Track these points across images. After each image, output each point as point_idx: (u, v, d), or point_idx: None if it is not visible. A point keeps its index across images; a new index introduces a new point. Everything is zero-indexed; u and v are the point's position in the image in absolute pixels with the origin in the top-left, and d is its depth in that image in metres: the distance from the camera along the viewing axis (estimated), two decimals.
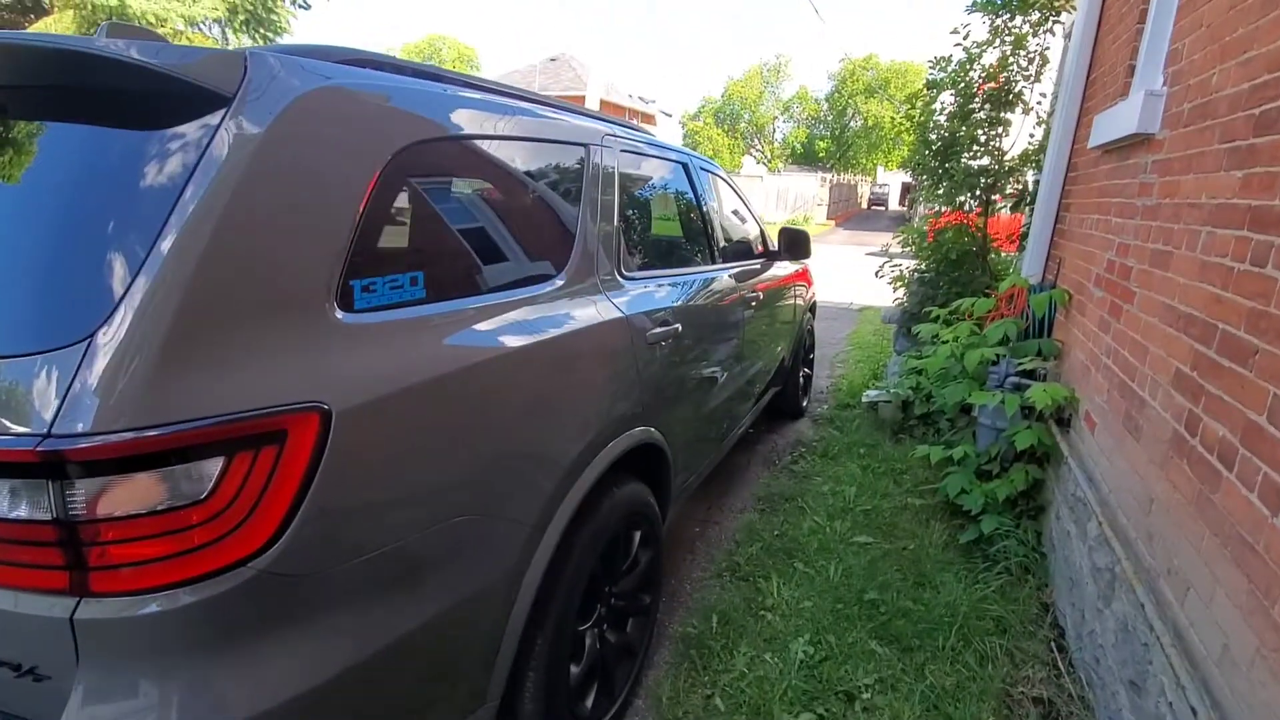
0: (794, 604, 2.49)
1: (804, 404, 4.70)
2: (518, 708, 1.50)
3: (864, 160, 48.56)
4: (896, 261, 4.97)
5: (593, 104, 12.39)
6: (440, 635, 1.25)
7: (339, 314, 1.11)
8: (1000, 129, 4.34)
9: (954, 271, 4.35)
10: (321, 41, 1.57)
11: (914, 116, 4.56)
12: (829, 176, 34.85)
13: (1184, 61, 2.25)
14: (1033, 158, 4.43)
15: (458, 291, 1.37)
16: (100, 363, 0.86)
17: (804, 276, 4.30)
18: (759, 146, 50.47)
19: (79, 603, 0.89)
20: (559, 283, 1.67)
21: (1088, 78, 3.79)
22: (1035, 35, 4.28)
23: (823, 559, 2.78)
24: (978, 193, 4.18)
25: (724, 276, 2.83)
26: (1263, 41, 1.63)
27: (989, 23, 4.29)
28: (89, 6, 4.63)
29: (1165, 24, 2.70)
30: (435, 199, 1.39)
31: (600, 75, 12.65)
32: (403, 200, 1.29)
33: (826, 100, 50.81)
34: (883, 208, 43.57)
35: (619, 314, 1.85)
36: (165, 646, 0.93)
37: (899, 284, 4.89)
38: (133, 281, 0.90)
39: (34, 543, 0.87)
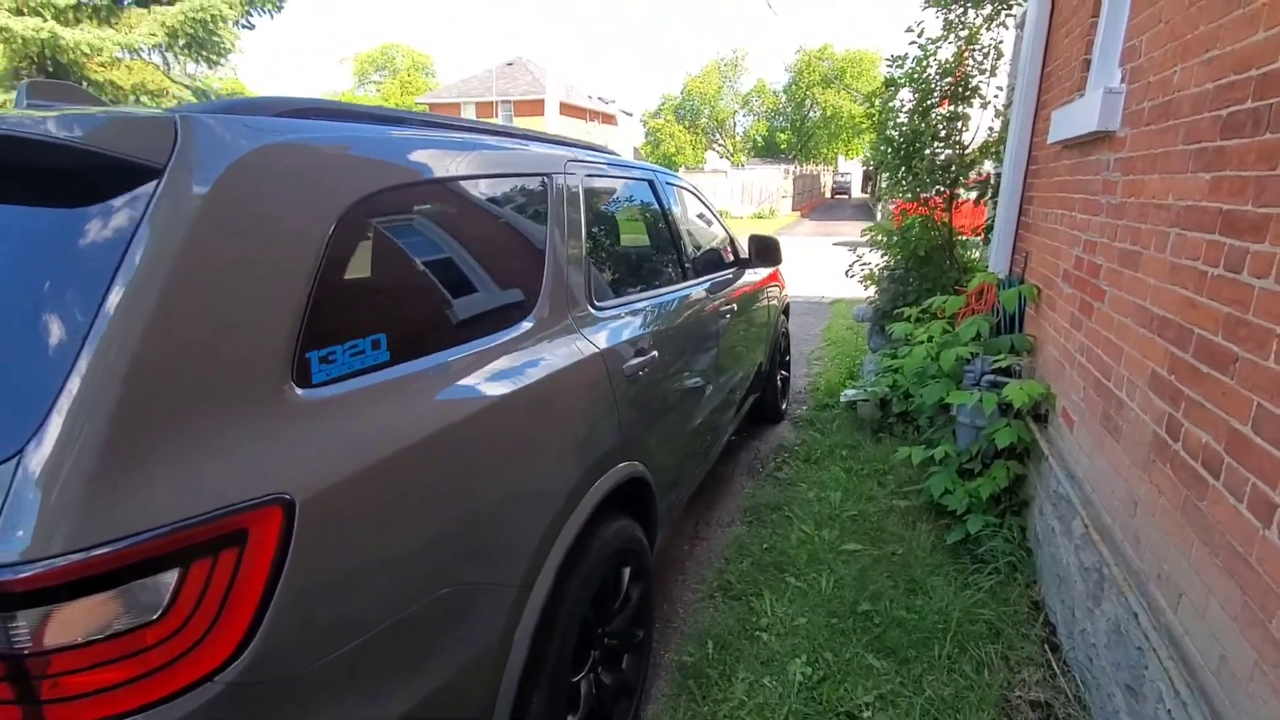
0: (788, 621, 2.47)
1: (783, 407, 4.70)
2: None
3: (825, 150, 49.10)
4: (865, 260, 4.99)
5: (552, 108, 12.27)
6: (431, 713, 1.18)
7: (297, 391, 1.04)
8: (960, 123, 4.37)
9: (923, 267, 4.38)
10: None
11: (874, 115, 4.57)
12: (792, 168, 35.16)
13: (1142, 58, 2.26)
14: (992, 149, 4.47)
15: (424, 348, 1.30)
16: (34, 479, 0.78)
17: (775, 278, 4.29)
18: (721, 141, 50.71)
19: None
20: (528, 325, 1.61)
21: (1043, 71, 3.82)
22: (988, 29, 4.32)
23: (813, 571, 2.76)
24: (941, 188, 4.21)
25: (697, 291, 2.79)
26: (1226, 41, 1.63)
27: (942, 18, 4.32)
28: (19, 40, 4.41)
29: (1120, 18, 2.72)
30: (393, 252, 1.33)
31: (558, 78, 12.51)
32: (359, 259, 1.22)
33: (785, 92, 51.25)
34: (846, 196, 44.09)
35: (594, 349, 1.79)
36: None
37: (869, 282, 4.91)
38: (63, 383, 0.82)
39: None
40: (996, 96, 4.30)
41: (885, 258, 4.74)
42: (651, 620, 2.17)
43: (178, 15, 5.58)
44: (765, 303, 3.94)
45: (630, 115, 47.93)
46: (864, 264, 4.99)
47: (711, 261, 3.22)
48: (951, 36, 4.27)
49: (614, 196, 2.41)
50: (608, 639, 1.88)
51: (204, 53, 5.80)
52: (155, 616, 0.84)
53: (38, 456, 0.79)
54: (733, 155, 48.31)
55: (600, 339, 1.85)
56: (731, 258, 3.58)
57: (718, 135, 51.60)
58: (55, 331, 0.85)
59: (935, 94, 4.29)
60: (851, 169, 48.41)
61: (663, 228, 2.74)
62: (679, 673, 2.25)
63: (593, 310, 1.90)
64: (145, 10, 5.81)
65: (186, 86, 6.57)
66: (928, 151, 4.21)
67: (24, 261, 0.91)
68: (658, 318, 2.28)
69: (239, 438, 0.95)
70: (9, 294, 0.89)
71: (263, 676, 0.92)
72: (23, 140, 0.94)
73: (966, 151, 4.32)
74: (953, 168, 4.22)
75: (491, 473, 1.35)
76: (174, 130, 1.00)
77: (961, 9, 4.30)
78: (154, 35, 5.19)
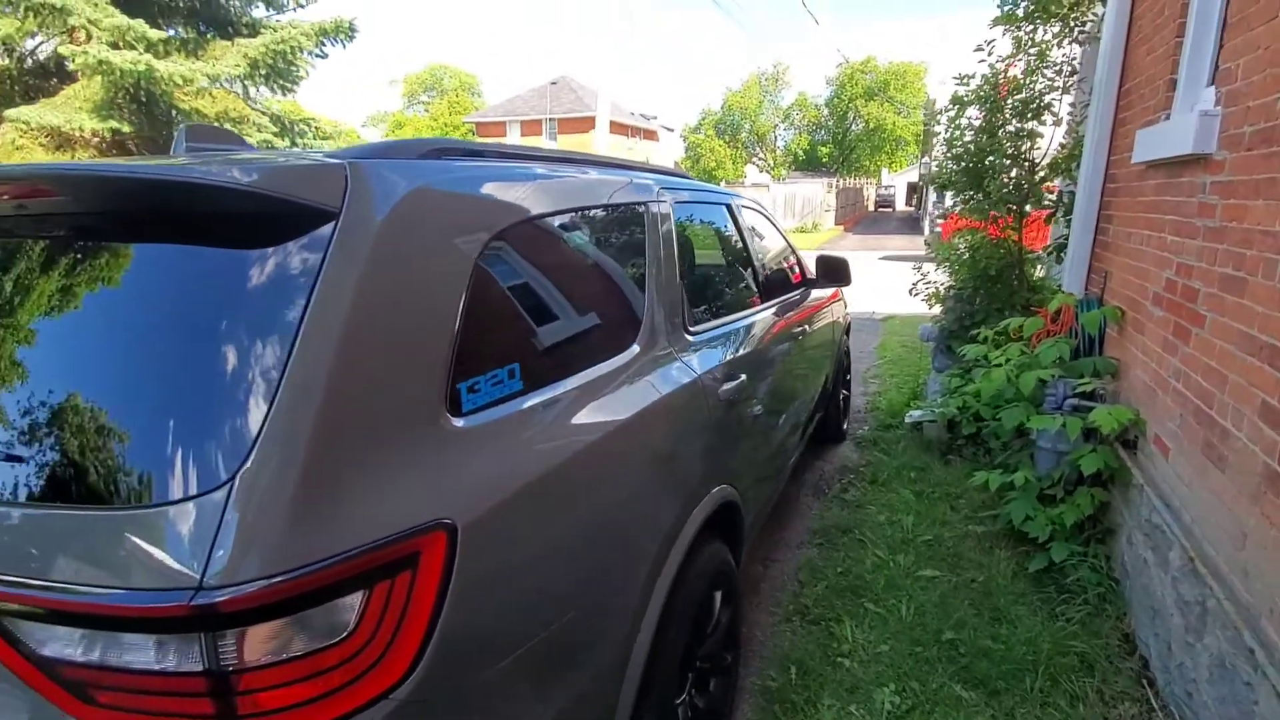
0: (870, 648, 2.44)
1: (844, 426, 4.65)
2: None
3: (868, 163, 48.60)
4: (930, 279, 4.92)
5: (603, 126, 12.46)
6: None
7: (451, 420, 1.09)
8: (1030, 141, 4.30)
9: (991, 286, 4.31)
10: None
11: (938, 134, 4.53)
12: (834, 181, 34.90)
13: (1239, 82, 2.21)
14: (1062, 166, 4.39)
15: (549, 376, 1.35)
16: (243, 506, 0.84)
17: (837, 296, 4.27)
18: (761, 155, 50.64)
19: None
20: (636, 350, 1.66)
21: (1120, 88, 3.75)
22: (1059, 45, 4.26)
23: (892, 597, 2.73)
24: (1012, 205, 4.14)
25: (773, 313, 2.81)
26: None
27: (1011, 36, 4.27)
28: (116, 73, 4.71)
29: (1208, 40, 2.67)
30: (521, 284, 1.38)
31: (608, 98, 12.69)
32: (494, 291, 1.28)
33: (827, 105, 50.99)
34: (890, 209, 43.45)
35: (693, 374, 1.83)
36: None
37: (934, 301, 4.84)
38: (267, 415, 0.89)
39: (183, 694, 0.86)
40: (1070, 113, 4.23)
41: (951, 276, 4.67)
42: (739, 644, 2.17)
43: (259, 47, 5.90)
44: (830, 321, 3.93)
45: (671, 131, 48.34)
46: (928, 282, 4.92)
47: (783, 282, 3.24)
48: (1021, 54, 4.22)
49: (697, 221, 2.46)
50: (699, 663, 1.89)
51: (281, 81, 6.12)
52: (343, 636, 0.89)
53: (246, 486, 0.85)
54: (773, 169, 48.19)
55: (697, 364, 1.88)
56: (798, 277, 3.59)
57: (758, 149, 51.57)
58: (258, 368, 0.92)
59: (1005, 112, 4.23)
60: (895, 182, 47.76)
61: (740, 250, 2.77)
62: (762, 697, 2.24)
63: (688, 335, 1.93)
64: (229, 43, 6.16)
65: (263, 113, 6.93)
66: (1000, 171, 4.14)
67: (222, 302, 0.98)
68: (742, 341, 2.31)
69: (406, 466, 1.00)
70: (211, 332, 0.96)
71: (427, 695, 0.96)
72: (211, 187, 1.01)
73: (1037, 169, 4.25)
74: (1024, 186, 4.14)
75: (614, 496, 1.39)
76: (344, 175, 1.07)
77: (1032, 26, 4.25)
78: (238, 66, 5.50)
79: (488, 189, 1.33)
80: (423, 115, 51.47)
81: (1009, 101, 4.23)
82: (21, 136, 5.44)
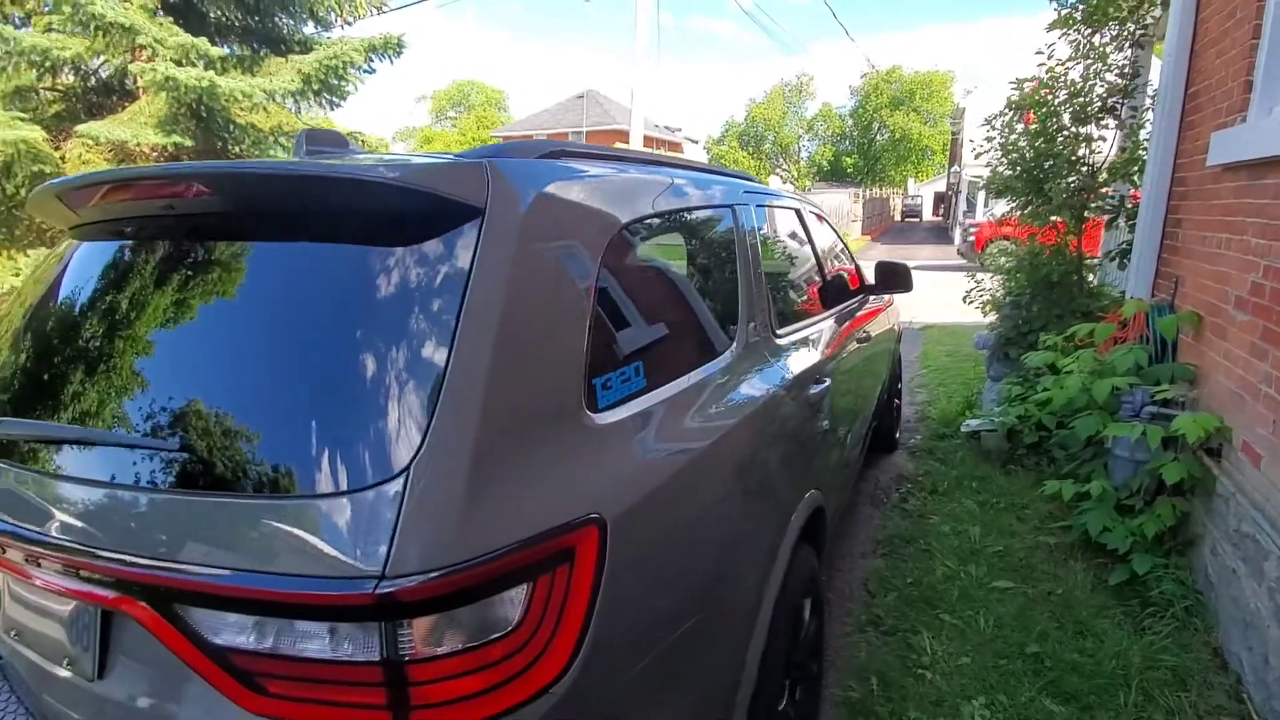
0: (951, 661, 2.38)
1: (896, 435, 4.58)
2: None
3: (894, 173, 48.28)
4: (984, 286, 4.85)
5: (637, 139, 12.53)
6: None
7: (590, 416, 1.09)
8: (1089, 145, 4.23)
9: (1050, 293, 4.22)
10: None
11: (993, 138, 4.48)
12: (860, 191, 34.70)
13: None
14: (1121, 171, 4.31)
15: (666, 375, 1.35)
16: (419, 496, 0.84)
17: (891, 303, 4.23)
18: (785, 166, 50.58)
19: None
20: (736, 351, 1.65)
21: (1186, 91, 3.68)
22: (1118, 49, 4.19)
23: (968, 608, 2.66)
24: (1072, 211, 4.07)
25: (841, 319, 2.78)
26: None
27: (1069, 41, 4.22)
28: (181, 89, 4.85)
29: None
30: (638, 283, 1.38)
31: (642, 113, 12.76)
32: (617, 289, 1.28)
33: (851, 116, 50.84)
34: (917, 219, 43.03)
35: (786, 376, 1.81)
36: None
37: (990, 308, 4.76)
38: (434, 408, 0.89)
39: (356, 684, 0.86)
40: (1132, 117, 4.15)
41: (1007, 283, 4.60)
42: (823, 653, 2.14)
43: (313, 63, 6.04)
44: (888, 328, 3.88)
45: (695, 143, 48.47)
46: (982, 290, 4.85)
47: (846, 287, 3.21)
48: (1079, 58, 4.16)
49: (775, 225, 2.45)
50: (791, 671, 1.86)
51: (330, 97, 6.27)
52: (509, 629, 0.88)
53: (420, 476, 0.85)
54: (797, 180, 48.08)
55: (785, 365, 1.86)
56: (856, 283, 3.56)
57: (782, 161, 51.53)
58: (423, 361, 0.92)
59: (1064, 116, 4.17)
60: (922, 192, 47.33)
61: (810, 254, 2.75)
62: (846, 709, 2.20)
63: (776, 339, 1.92)
64: (283, 59, 6.32)
65: (314, 128, 7.07)
66: (1061, 176, 4.07)
67: (378, 296, 0.98)
68: (819, 346, 2.29)
69: (557, 460, 1.00)
70: (373, 325, 0.96)
71: (581, 691, 0.95)
72: (368, 182, 1.03)
73: (1097, 173, 4.17)
74: (1084, 191, 4.07)
75: (731, 495, 1.38)
76: (486, 173, 1.08)
77: (1090, 29, 4.19)
78: (292, 82, 5.64)
79: (607, 189, 1.34)
80: (450, 130, 52.28)
81: (1068, 105, 4.17)
82: (88, 151, 5.63)
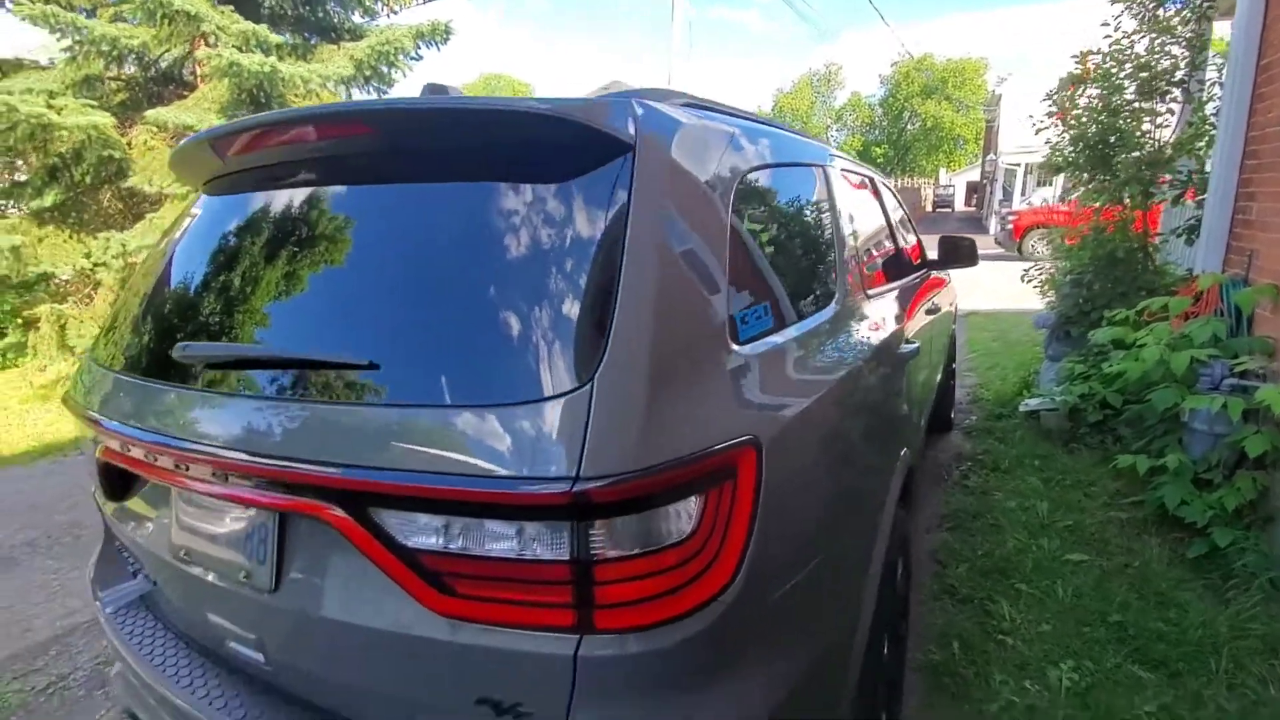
0: (1032, 628, 2.38)
1: (950, 415, 4.55)
2: None
3: (925, 163, 47.47)
4: (1042, 265, 4.78)
5: None
6: (812, 681, 1.22)
7: (734, 347, 1.12)
8: (1156, 119, 4.14)
9: (1113, 270, 4.15)
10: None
11: (1053, 112, 4.40)
12: (890, 181, 34.25)
13: None
14: (1188, 146, 4.20)
15: (786, 319, 1.37)
16: (603, 406, 0.88)
17: (949, 280, 4.18)
18: None
19: (581, 640, 0.90)
20: (838, 305, 1.66)
21: (1258, 64, 3.58)
22: (1185, 23, 4.09)
23: (1044, 579, 2.65)
24: (1140, 186, 3.99)
25: (913, 289, 2.77)
26: None
27: (1135, 11, 4.13)
28: (245, 74, 4.99)
29: None
30: (757, 229, 1.41)
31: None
32: (743, 233, 1.30)
33: (881, 105, 50.07)
34: (949, 209, 42.27)
35: (883, 334, 1.82)
36: (652, 683, 0.93)
37: (1049, 288, 4.69)
38: (610, 327, 0.92)
39: (545, 582, 0.90)
40: (1199, 90, 4.05)
41: (1068, 261, 4.52)
42: (909, 614, 2.15)
43: (364, 49, 6.16)
44: (950, 304, 3.86)
45: None
46: (1040, 268, 4.77)
47: (916, 259, 3.20)
48: (1145, 30, 4.07)
49: (856, 191, 2.45)
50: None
51: (379, 84, 6.39)
52: (685, 537, 0.92)
53: (603, 387, 0.89)
54: None
55: (883, 325, 1.87)
56: (919, 257, 3.53)
57: None
58: (596, 282, 0.96)
59: (1129, 91, 4.08)
60: (954, 182, 46.50)
61: (884, 223, 2.74)
62: (929, 671, 2.21)
63: (866, 297, 1.93)
64: (335, 46, 6.46)
65: None
66: (1130, 146, 3.99)
67: (550, 221, 1.02)
68: (902, 311, 2.29)
69: (714, 384, 1.03)
70: (551, 246, 1.00)
71: (740, 606, 0.98)
72: (518, 113, 1.06)
73: (1164, 148, 4.08)
74: (1151, 166, 3.99)
75: (852, 439, 1.40)
76: (631, 110, 1.11)
77: (1155, 3, 4.10)
78: (344, 68, 5.76)
79: (733, 135, 1.36)
80: None
81: (1134, 79, 4.08)
82: (153, 138, 5.82)
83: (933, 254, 3.54)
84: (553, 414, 0.88)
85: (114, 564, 1.61)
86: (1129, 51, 4.23)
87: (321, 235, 1.15)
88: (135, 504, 1.38)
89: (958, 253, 3.55)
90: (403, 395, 0.96)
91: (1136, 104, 4.26)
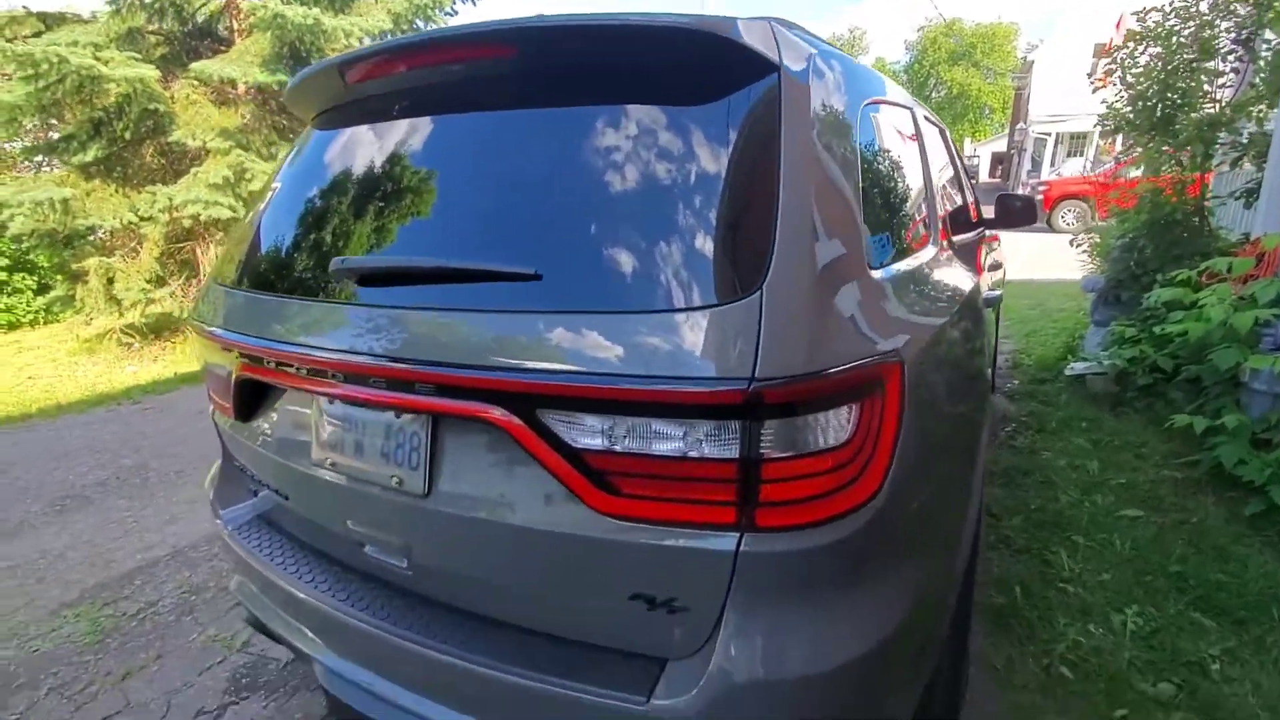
0: (1092, 576, 2.42)
1: (992, 378, 4.55)
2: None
3: (950, 132, 46.47)
4: (1092, 230, 4.72)
5: None
6: (930, 595, 1.26)
7: (870, 271, 1.14)
8: (1217, 80, 4.04)
9: (1167, 233, 4.10)
10: None
11: (1114, 70, 4.30)
12: None
13: None
14: (1247, 107, 4.11)
15: (903, 251, 1.39)
16: (774, 311, 0.91)
17: (998, 238, 4.15)
18: None
19: (742, 537, 0.95)
20: (935, 245, 1.67)
21: None
22: None
23: (1100, 533, 2.69)
24: (1201, 146, 3.91)
25: (980, 240, 2.77)
26: None
27: None
28: (288, 26, 4.98)
29: None
30: (874, 159, 1.42)
31: None
32: (867, 160, 1.31)
33: (905, 72, 48.85)
34: (974, 180, 41.43)
35: (972, 278, 1.84)
36: (803, 582, 0.98)
37: (1096, 253, 4.64)
38: (775, 237, 0.95)
39: (711, 480, 0.94)
40: (1266, 49, 3.94)
41: (1118, 226, 4.46)
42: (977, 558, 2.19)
43: (403, 3, 6.11)
44: (1004, 263, 3.84)
45: None
46: (1090, 233, 4.72)
47: (977, 212, 3.18)
48: None
49: (933, 138, 2.43)
50: None
51: None
52: (843, 442, 0.96)
53: (771, 294, 0.92)
54: None
55: (971, 269, 1.88)
56: (977, 215, 3.51)
57: None
58: (758, 196, 0.98)
59: (1189, 51, 3.98)
60: (979, 152, 45.55)
61: (955, 175, 2.73)
62: (993, 614, 2.26)
63: (951, 244, 1.94)
64: (372, 0, 6.42)
65: None
66: (1193, 104, 3.91)
67: (705, 141, 1.04)
68: (973, 260, 2.29)
69: (859, 301, 1.06)
70: (709, 171, 1.02)
71: (885, 514, 1.02)
72: (667, 29, 1.08)
73: (1224, 108, 3.99)
74: (1214, 126, 3.90)
75: (960, 373, 1.42)
76: (774, 30, 1.12)
77: None
78: (383, 21, 5.73)
79: (853, 65, 1.37)
80: None
81: (1196, 38, 3.97)
82: (194, 92, 5.84)
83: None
84: (726, 319, 0.91)
85: (232, 485, 1.68)
86: (1193, 9, 4.11)
87: (472, 155, 1.18)
88: (267, 421, 1.44)
89: (1016, 212, 3.51)
90: (571, 303, 0.99)
91: (1197, 63, 4.16)
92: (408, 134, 1.29)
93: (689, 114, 1.06)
